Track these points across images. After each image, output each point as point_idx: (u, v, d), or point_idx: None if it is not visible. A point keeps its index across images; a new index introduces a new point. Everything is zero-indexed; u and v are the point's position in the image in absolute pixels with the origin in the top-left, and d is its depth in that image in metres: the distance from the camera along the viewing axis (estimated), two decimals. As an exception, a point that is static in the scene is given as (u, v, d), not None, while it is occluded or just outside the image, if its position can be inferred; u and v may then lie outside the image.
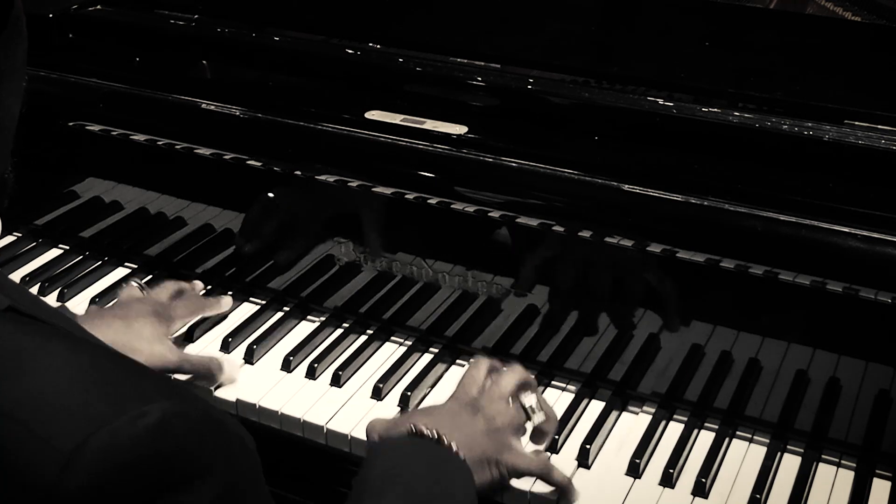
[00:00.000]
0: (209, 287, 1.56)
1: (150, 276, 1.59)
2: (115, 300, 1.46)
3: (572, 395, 1.36)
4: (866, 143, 1.24)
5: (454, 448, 1.09)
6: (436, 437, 1.10)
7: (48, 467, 0.69)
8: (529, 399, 1.21)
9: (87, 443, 0.69)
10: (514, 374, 1.22)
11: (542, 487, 1.21)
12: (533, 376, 1.25)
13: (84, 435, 0.69)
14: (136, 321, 1.34)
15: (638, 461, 1.24)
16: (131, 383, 0.75)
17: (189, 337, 1.46)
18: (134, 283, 1.46)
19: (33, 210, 1.68)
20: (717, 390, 1.32)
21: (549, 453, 1.26)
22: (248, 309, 1.53)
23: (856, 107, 1.29)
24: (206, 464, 0.74)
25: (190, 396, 0.76)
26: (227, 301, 1.50)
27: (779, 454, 1.27)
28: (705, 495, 1.21)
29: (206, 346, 1.45)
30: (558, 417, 1.31)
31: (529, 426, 1.22)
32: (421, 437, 1.10)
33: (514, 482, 1.20)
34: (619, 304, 1.34)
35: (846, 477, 1.24)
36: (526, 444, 1.22)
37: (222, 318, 1.51)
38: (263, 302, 1.54)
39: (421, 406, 1.33)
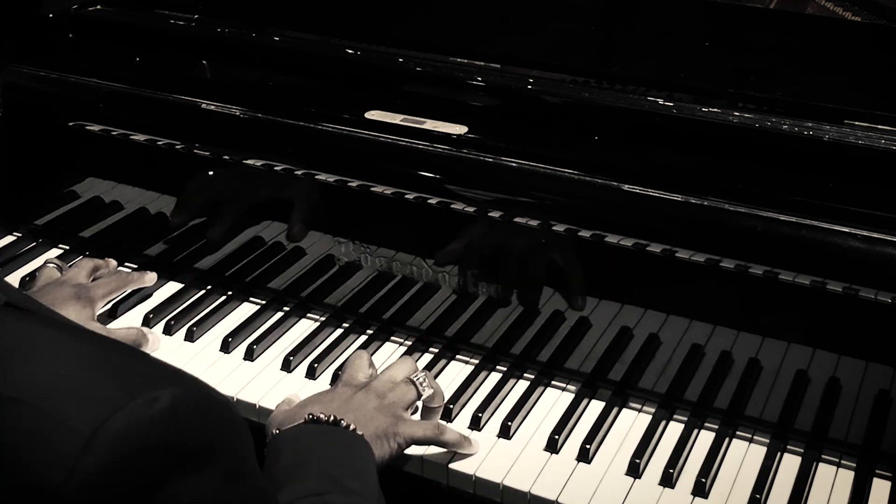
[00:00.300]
0: (209, 287, 1.56)
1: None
2: (35, 283, 1.48)
3: (572, 395, 1.36)
4: (866, 143, 1.24)
5: (352, 427, 1.15)
6: (332, 419, 1.15)
7: (66, 448, 0.70)
8: (418, 376, 1.26)
9: (105, 424, 0.70)
10: (405, 364, 1.29)
11: (541, 489, 1.21)
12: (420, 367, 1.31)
13: (102, 417, 0.70)
14: (60, 309, 1.35)
15: (638, 461, 1.24)
16: (137, 370, 0.76)
17: (189, 337, 1.46)
18: (51, 265, 1.49)
19: (33, 210, 1.68)
20: (717, 390, 1.32)
21: (442, 420, 1.30)
22: (248, 309, 1.53)
23: (856, 107, 1.29)
24: (215, 446, 0.76)
25: (194, 381, 0.77)
26: (151, 276, 1.52)
27: (779, 454, 1.27)
28: (705, 495, 1.21)
29: (207, 346, 1.46)
30: (558, 417, 1.31)
31: (420, 405, 1.28)
32: (318, 422, 1.15)
33: (513, 481, 1.21)
34: (618, 303, 1.34)
35: (846, 477, 1.24)
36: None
37: (222, 317, 1.51)
38: (263, 302, 1.54)
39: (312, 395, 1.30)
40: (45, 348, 0.75)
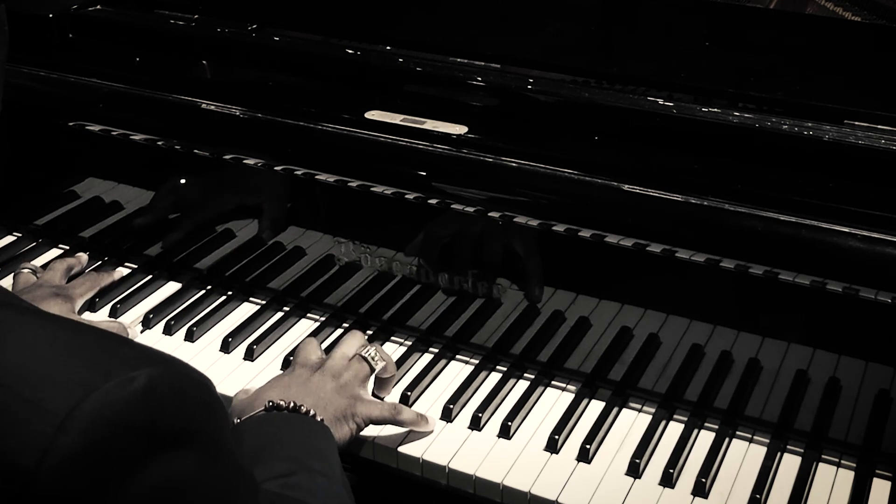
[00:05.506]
0: (209, 287, 1.56)
1: (149, 276, 1.59)
2: (13, 289, 1.49)
3: (572, 395, 1.36)
4: (866, 143, 1.24)
5: (311, 412, 1.17)
6: (292, 406, 1.17)
7: (41, 428, 0.69)
8: (369, 350, 1.29)
9: (80, 405, 0.70)
10: (355, 339, 1.32)
11: (541, 489, 1.21)
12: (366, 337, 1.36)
13: (77, 398, 0.70)
14: (43, 305, 1.38)
15: (638, 461, 1.24)
16: (113, 351, 0.76)
17: (189, 337, 1.47)
18: (26, 270, 1.52)
19: (33, 210, 1.68)
20: (717, 390, 1.32)
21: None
22: (248, 309, 1.53)
23: (856, 107, 1.29)
24: (193, 426, 0.76)
25: (172, 361, 0.77)
26: (119, 271, 1.58)
27: (779, 454, 1.27)
28: (705, 495, 1.21)
29: (207, 346, 1.46)
30: (558, 417, 1.31)
31: (373, 377, 1.30)
32: (278, 409, 1.17)
33: (513, 481, 1.21)
34: (618, 303, 1.34)
35: (846, 477, 1.24)
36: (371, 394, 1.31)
37: (222, 317, 1.51)
38: (263, 302, 1.54)
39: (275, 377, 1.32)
40: (20, 333, 0.75)
